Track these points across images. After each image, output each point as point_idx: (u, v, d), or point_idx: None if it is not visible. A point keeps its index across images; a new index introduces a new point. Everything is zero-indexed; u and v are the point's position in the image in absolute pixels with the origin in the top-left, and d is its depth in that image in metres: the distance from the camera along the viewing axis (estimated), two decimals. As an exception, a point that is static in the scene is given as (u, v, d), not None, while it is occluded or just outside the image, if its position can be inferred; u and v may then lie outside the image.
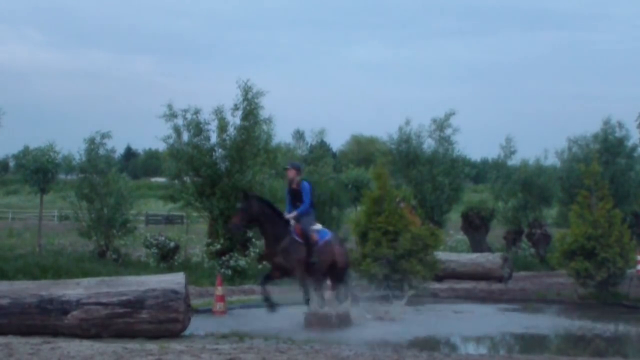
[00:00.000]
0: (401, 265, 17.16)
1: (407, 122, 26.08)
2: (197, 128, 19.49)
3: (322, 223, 22.45)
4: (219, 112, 19.46)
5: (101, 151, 19.28)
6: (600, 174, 19.28)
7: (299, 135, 78.84)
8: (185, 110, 19.37)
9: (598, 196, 18.26)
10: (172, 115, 19.33)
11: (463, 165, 26.54)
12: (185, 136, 19.61)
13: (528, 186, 27.89)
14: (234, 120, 19.80)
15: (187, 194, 19.72)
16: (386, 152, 26.05)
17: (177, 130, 19.39)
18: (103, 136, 19.33)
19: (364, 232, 17.68)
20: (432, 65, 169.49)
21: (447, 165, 25.89)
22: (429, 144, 26.00)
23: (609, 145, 27.57)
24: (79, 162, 19.47)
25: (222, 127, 19.53)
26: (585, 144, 28.18)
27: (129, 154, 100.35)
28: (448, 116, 25.35)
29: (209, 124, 19.56)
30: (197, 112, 19.46)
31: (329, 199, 22.50)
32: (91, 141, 18.97)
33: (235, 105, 19.57)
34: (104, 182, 19.30)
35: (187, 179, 19.83)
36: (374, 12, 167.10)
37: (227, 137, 19.62)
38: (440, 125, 25.27)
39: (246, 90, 19.45)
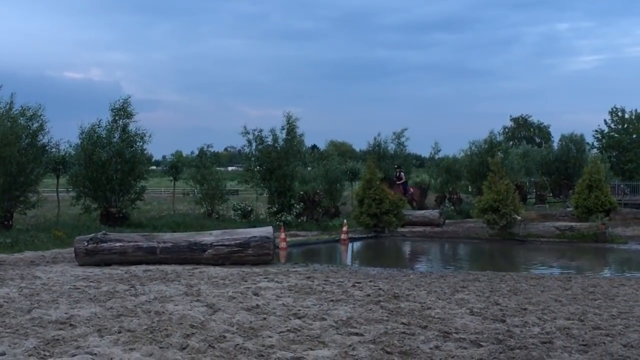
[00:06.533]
0: (384, 218, 24.68)
1: (379, 134, 35.45)
2: (261, 140, 28.77)
3: (331, 194, 30.57)
4: (273, 131, 28.66)
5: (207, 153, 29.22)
6: (500, 162, 24.64)
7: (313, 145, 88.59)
8: (254, 130, 28.60)
9: (499, 176, 23.51)
10: (246, 132, 28.66)
11: (412, 159, 35.31)
12: (254, 145, 28.82)
13: (448, 170, 36.05)
14: (282, 135, 28.55)
15: (256, 179, 28.99)
16: (367, 152, 34.77)
17: (248, 141, 28.78)
18: (208, 146, 29.54)
19: (361, 199, 25.23)
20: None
21: (402, 160, 34.88)
22: (391, 147, 35.14)
23: (493, 145, 35.94)
24: (195, 160, 29.38)
25: (275, 139, 28.67)
26: (479, 144, 36.38)
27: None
28: (402, 130, 35.08)
29: (267, 137, 28.68)
30: (260, 130, 28.64)
31: (337, 179, 30.65)
32: (202, 150, 29.52)
33: (282, 126, 28.74)
34: (209, 172, 28.53)
35: (255, 169, 28.82)
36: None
37: (278, 145, 28.58)
38: (398, 135, 34.88)
39: (288, 118, 28.73)
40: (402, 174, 33.17)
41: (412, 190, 32.75)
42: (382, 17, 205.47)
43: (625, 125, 66.53)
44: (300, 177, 30.08)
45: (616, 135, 65.87)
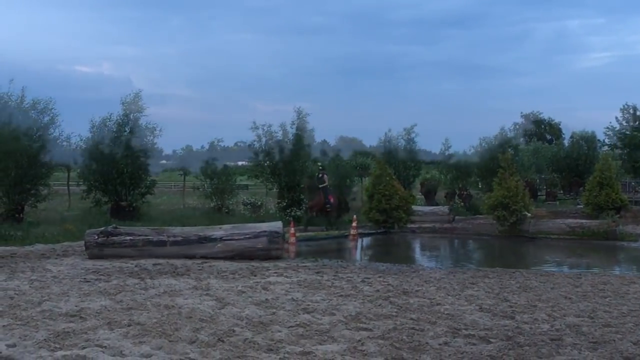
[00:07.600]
0: (393, 214, 24.80)
1: (389, 130, 35.14)
2: (270, 135, 28.93)
3: (341, 190, 29.99)
4: (283, 126, 29.01)
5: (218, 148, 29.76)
6: (510, 159, 24.05)
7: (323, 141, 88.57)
8: (263, 125, 28.77)
9: (509, 172, 23.39)
10: (256, 128, 28.82)
11: (422, 155, 35.52)
12: (263, 140, 28.90)
13: (458, 167, 35.81)
14: (292, 130, 28.88)
15: (266, 173, 29.15)
16: (377, 148, 35.01)
17: (258, 136, 28.94)
18: (219, 141, 29.86)
19: (371, 195, 25.26)
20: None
21: (412, 155, 34.87)
22: (401, 143, 34.86)
23: (504, 141, 35.45)
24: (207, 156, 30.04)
25: (285, 135, 28.90)
26: (490, 141, 35.75)
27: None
28: (412, 126, 34.92)
29: (277, 132, 28.86)
30: (270, 125, 28.83)
31: (347, 175, 30.30)
32: (212, 144, 29.83)
33: (292, 121, 28.96)
34: (219, 168, 28.73)
35: (265, 164, 28.83)
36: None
37: (287, 140, 28.69)
38: (408, 131, 34.72)
39: (299, 113, 28.93)
40: (325, 176, 26.43)
41: (332, 199, 26.00)
42: (392, 13, 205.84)
43: (637, 123, 66.11)
44: (310, 173, 29.65)
45: (627, 132, 65.44)
